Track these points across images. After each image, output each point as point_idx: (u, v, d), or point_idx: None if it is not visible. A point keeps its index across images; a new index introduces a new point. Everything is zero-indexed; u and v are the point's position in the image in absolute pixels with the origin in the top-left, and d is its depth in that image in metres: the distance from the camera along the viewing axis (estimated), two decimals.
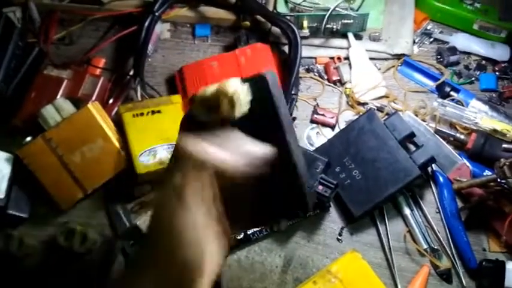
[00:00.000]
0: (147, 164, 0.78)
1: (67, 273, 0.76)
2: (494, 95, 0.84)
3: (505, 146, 0.74)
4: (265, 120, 0.49)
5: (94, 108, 0.81)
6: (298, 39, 0.82)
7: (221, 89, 0.50)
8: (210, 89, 0.50)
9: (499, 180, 0.69)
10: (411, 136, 0.76)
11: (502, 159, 0.67)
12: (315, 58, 0.88)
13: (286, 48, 0.87)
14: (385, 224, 0.77)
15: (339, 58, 0.87)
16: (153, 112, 0.82)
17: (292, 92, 0.83)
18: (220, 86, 0.50)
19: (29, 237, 0.78)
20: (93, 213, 0.82)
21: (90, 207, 0.82)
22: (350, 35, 0.86)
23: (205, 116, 0.51)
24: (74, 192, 0.80)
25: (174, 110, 0.83)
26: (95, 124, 0.80)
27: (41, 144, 0.79)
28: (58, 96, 0.84)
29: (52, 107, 0.80)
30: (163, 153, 0.79)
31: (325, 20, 0.82)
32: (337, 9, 0.81)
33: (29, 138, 0.80)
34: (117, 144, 0.81)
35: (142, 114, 0.82)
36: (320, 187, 0.72)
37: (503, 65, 0.85)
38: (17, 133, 0.84)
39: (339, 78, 0.86)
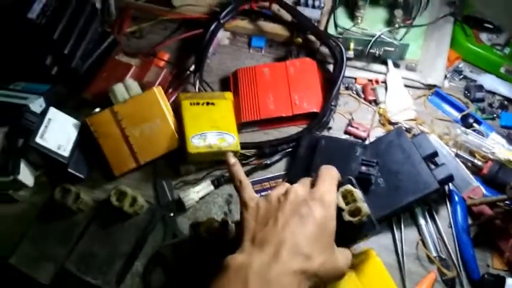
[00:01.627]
0: (197, 145, 0.88)
1: (114, 229, 0.85)
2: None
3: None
4: None
5: (158, 92, 0.92)
6: (344, 58, 0.93)
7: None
8: (214, 220, 0.77)
9: (508, 201, 0.77)
10: (434, 155, 0.85)
11: None
12: (355, 78, 0.99)
13: (330, 67, 0.99)
14: (401, 231, 0.85)
15: (376, 81, 0.98)
16: (207, 103, 0.93)
17: (332, 104, 0.93)
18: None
19: (84, 194, 0.88)
20: (142, 184, 0.92)
21: (139, 179, 0.93)
22: (389, 62, 0.97)
23: (208, 236, 0.76)
24: (128, 161, 0.90)
25: (225, 104, 0.94)
26: (156, 105, 0.91)
27: (108, 115, 0.90)
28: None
29: (122, 85, 0.92)
30: (213, 139, 0.89)
31: (370, 44, 0.93)
32: (382, 36, 0.93)
33: (97, 110, 0.92)
34: (172, 126, 0.92)
35: (198, 103, 0.93)
36: (363, 168, 0.81)
37: None
38: (85, 105, 0.96)
39: (374, 98, 0.97)
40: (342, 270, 0.64)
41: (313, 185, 0.67)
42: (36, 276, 0.83)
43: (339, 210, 0.68)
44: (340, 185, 0.70)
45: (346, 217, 0.72)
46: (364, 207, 0.71)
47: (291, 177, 0.89)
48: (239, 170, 0.71)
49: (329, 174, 0.68)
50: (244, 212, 0.66)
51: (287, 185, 0.68)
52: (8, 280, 0.87)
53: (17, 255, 0.84)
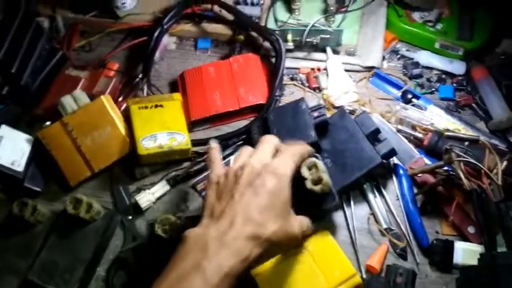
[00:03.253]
0: (148, 147, 0.91)
1: (73, 237, 0.87)
2: (451, 103, 0.96)
3: (448, 134, 0.85)
4: None
5: (106, 100, 0.95)
6: (283, 49, 0.97)
7: None
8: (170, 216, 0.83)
9: (446, 167, 0.80)
10: (377, 132, 0.88)
11: (450, 145, 0.79)
12: (299, 69, 1.03)
13: (274, 61, 1.02)
14: (351, 208, 0.88)
15: (318, 69, 1.01)
16: (156, 106, 0.95)
17: (277, 94, 0.97)
18: None
19: (41, 206, 0.89)
20: (99, 192, 0.94)
21: (96, 187, 0.94)
22: (328, 49, 1.00)
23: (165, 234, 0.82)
24: (83, 170, 0.92)
25: (174, 105, 0.96)
26: (105, 113, 0.94)
27: (59, 127, 0.92)
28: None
29: (70, 97, 0.94)
30: (163, 140, 0.91)
31: (305, 33, 0.97)
32: (316, 25, 0.96)
33: (48, 123, 0.94)
34: (123, 131, 0.94)
35: (146, 107, 0.95)
36: (315, 113, 0.89)
37: (460, 78, 0.98)
38: (37, 121, 0.98)
39: (318, 85, 1.00)
40: (296, 236, 0.70)
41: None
42: None
43: (303, 179, 0.75)
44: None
45: (309, 185, 0.77)
46: (326, 177, 0.76)
47: None
48: (215, 153, 0.77)
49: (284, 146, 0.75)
50: (208, 189, 0.72)
51: (248, 151, 0.74)
52: None
53: None
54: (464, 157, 0.76)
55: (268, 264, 0.80)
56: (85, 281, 0.84)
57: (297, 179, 0.77)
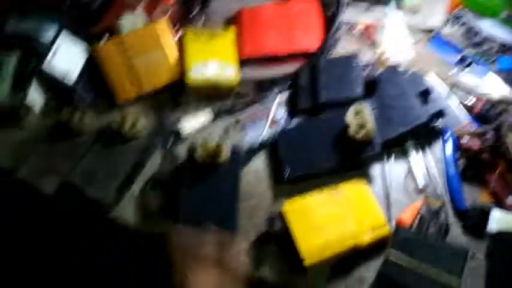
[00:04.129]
0: (196, 76, 0.92)
1: (115, 150, 0.90)
2: (509, 75, 0.94)
3: (502, 99, 0.83)
4: None
5: (163, 24, 0.96)
6: None
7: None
8: (210, 142, 0.84)
9: (494, 132, 0.78)
10: (427, 92, 0.87)
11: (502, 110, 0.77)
12: (357, 21, 1.01)
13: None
14: (391, 162, 0.87)
15: (377, 24, 0.99)
16: (210, 37, 0.96)
17: (330, 43, 0.96)
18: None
19: (88, 116, 0.92)
20: (144, 114, 0.95)
21: (142, 108, 0.96)
22: (391, 5, 0.98)
23: (202, 159, 0.83)
24: (131, 89, 0.95)
25: (227, 39, 0.97)
26: (160, 37, 0.95)
27: (115, 44, 0.94)
28: None
29: (130, 17, 0.96)
30: (212, 71, 0.93)
31: None
32: None
33: (105, 39, 0.96)
34: (175, 58, 0.95)
35: (201, 37, 0.96)
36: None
37: None
38: (95, 39, 1.00)
39: (374, 41, 0.98)
40: None
41: None
42: (41, 187, 0.88)
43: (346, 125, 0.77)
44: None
45: (352, 131, 0.77)
46: (370, 123, 0.76)
47: (301, 105, 0.92)
48: None
49: None
50: None
51: None
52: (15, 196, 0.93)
53: (24, 168, 0.89)
54: None
55: (299, 201, 0.81)
56: (121, 192, 0.87)
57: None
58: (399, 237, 0.72)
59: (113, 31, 0.97)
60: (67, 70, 0.93)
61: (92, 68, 0.96)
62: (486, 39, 0.97)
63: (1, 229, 1.10)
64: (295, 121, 0.91)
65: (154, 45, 0.95)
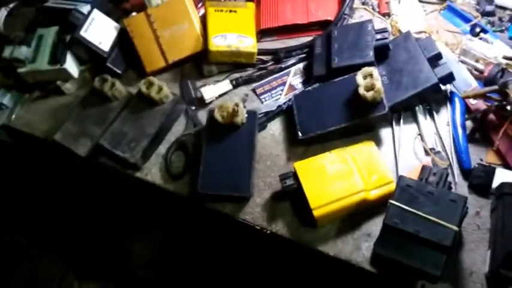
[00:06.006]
0: (218, 44, 0.98)
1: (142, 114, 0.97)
2: None
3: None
4: None
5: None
6: None
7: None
8: (228, 103, 0.89)
9: (499, 93, 0.81)
10: (438, 56, 0.89)
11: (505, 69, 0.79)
12: None
13: None
14: (400, 126, 0.91)
15: None
16: (230, 11, 1.03)
17: (345, 13, 1.01)
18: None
19: (119, 84, 1.00)
20: (170, 83, 1.03)
21: (168, 78, 1.04)
22: None
23: (221, 118, 0.87)
24: (159, 60, 1.02)
25: (247, 12, 1.03)
26: (185, 11, 1.02)
27: (143, 17, 1.02)
28: None
29: None
30: (232, 40, 0.99)
31: None
32: None
33: (134, 13, 1.04)
34: (198, 30, 1.02)
35: (222, 10, 1.03)
36: (378, 36, 0.92)
37: None
38: (125, 14, 1.08)
39: (388, 11, 1.02)
40: None
41: None
42: (75, 150, 0.96)
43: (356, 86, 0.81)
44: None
45: (361, 91, 0.81)
46: (379, 84, 0.80)
47: (316, 72, 0.96)
48: None
49: None
50: None
51: None
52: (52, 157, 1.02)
53: (61, 132, 0.98)
54: None
55: (310, 160, 0.86)
56: (147, 152, 0.95)
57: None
58: (401, 185, 0.76)
59: (142, 7, 1.05)
60: (100, 40, 1.01)
61: (123, 40, 1.04)
62: (498, 9, 0.99)
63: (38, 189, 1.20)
64: (310, 88, 0.96)
65: (179, 18, 1.02)
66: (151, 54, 1.02)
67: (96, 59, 1.02)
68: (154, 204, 1.11)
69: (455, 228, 0.70)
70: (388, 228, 0.72)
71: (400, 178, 0.78)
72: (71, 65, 1.02)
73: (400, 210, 0.72)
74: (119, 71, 1.03)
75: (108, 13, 1.07)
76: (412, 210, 0.72)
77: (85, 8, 1.04)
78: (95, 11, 1.02)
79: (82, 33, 0.98)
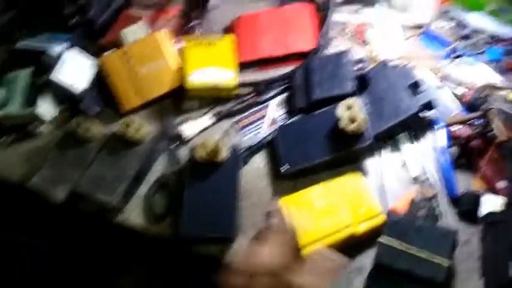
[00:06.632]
0: (196, 81, 0.97)
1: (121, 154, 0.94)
2: (498, 65, 0.95)
3: (491, 84, 0.85)
4: None
5: (164, 34, 1.02)
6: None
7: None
8: (210, 140, 0.88)
9: (482, 119, 0.80)
10: (417, 84, 0.89)
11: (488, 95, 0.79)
12: (348, 22, 1.05)
13: None
14: (384, 154, 0.90)
15: (368, 23, 1.03)
16: (208, 44, 1.01)
17: (321, 43, 1.00)
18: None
19: (96, 125, 0.97)
20: (149, 120, 1.00)
21: (147, 115, 1.02)
22: (380, 4, 1.02)
23: (203, 156, 0.86)
24: (136, 97, 1.00)
25: (226, 45, 1.02)
26: (162, 47, 1.01)
27: (119, 55, 1.00)
28: None
29: (132, 29, 1.02)
30: (211, 75, 0.97)
31: None
32: None
33: (111, 51, 1.02)
34: (176, 65, 1.01)
35: (200, 44, 1.01)
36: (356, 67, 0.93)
37: (509, 42, 0.97)
38: (101, 51, 1.06)
39: (365, 39, 1.02)
40: None
41: None
42: (52, 195, 0.93)
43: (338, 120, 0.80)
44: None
45: (342, 124, 0.80)
46: (362, 115, 0.78)
47: (297, 104, 0.95)
48: None
49: None
50: None
51: None
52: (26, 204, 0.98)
53: (37, 177, 0.95)
54: (502, 109, 0.77)
55: (296, 195, 0.84)
56: (128, 194, 0.92)
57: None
58: (390, 222, 0.74)
59: (118, 44, 1.03)
60: (74, 81, 0.98)
61: (100, 78, 1.02)
62: (474, 32, 0.99)
63: (13, 236, 1.15)
64: (292, 120, 0.95)
65: (156, 54, 1.00)
66: (128, 92, 1.00)
67: (70, 98, 0.99)
68: (139, 244, 1.07)
69: (446, 264, 0.68)
70: (379, 267, 0.70)
71: (388, 215, 0.76)
72: (45, 108, 0.99)
73: (390, 248, 0.70)
74: (95, 111, 1.01)
75: (84, 50, 1.05)
76: (402, 247, 0.70)
77: (59, 47, 1.02)
78: (70, 50, 1.00)
79: (54, 75, 0.96)
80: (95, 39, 1.09)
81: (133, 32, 1.01)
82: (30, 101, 0.97)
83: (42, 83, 0.97)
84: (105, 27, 1.10)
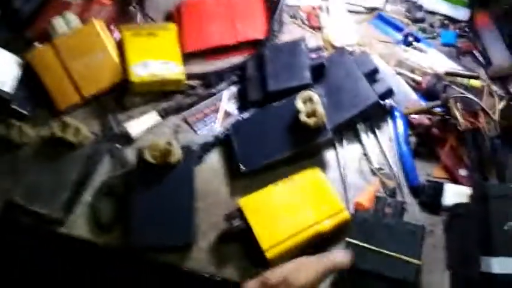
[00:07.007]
0: (140, 74, 0.88)
1: (59, 160, 0.85)
2: (453, 49, 0.95)
3: (448, 71, 0.84)
4: None
5: (98, 24, 0.92)
6: None
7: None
8: (160, 141, 0.80)
9: (441, 107, 0.79)
10: (375, 72, 0.86)
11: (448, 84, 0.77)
12: (299, 6, 1.00)
13: None
14: (343, 147, 0.87)
15: (320, 8, 0.98)
16: (150, 34, 0.93)
17: (274, 29, 0.95)
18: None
19: (28, 128, 0.87)
20: (89, 120, 0.91)
21: (86, 114, 0.92)
22: None
23: (153, 160, 0.80)
24: (72, 95, 0.90)
25: (169, 34, 0.93)
26: (97, 38, 0.91)
27: (49, 49, 0.89)
28: None
29: (62, 19, 0.91)
30: (156, 68, 0.89)
31: None
32: None
33: (38, 45, 0.91)
34: (115, 58, 0.91)
35: (140, 34, 0.93)
36: (313, 55, 0.89)
37: (463, 24, 0.97)
38: (28, 44, 0.94)
39: (318, 25, 0.97)
40: None
41: None
42: None
43: (297, 112, 0.75)
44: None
45: (303, 118, 0.75)
46: (320, 109, 0.74)
47: (251, 97, 0.89)
48: None
49: None
50: None
51: None
52: None
53: None
54: (462, 93, 0.75)
55: (256, 195, 0.79)
56: (70, 204, 0.83)
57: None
58: (357, 221, 0.72)
59: (46, 37, 0.92)
60: (1, 80, 0.87)
61: (29, 76, 0.90)
62: (428, 15, 0.97)
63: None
64: (247, 114, 0.89)
65: (92, 46, 0.90)
66: (62, 90, 0.90)
67: None
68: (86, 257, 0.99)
69: (417, 262, 0.66)
70: (349, 269, 0.67)
71: (355, 212, 0.73)
72: None
73: (359, 249, 0.68)
74: (25, 112, 0.90)
75: (7, 44, 0.93)
76: (371, 247, 0.67)
77: None
78: None
79: None
80: (20, 31, 0.96)
81: (62, 23, 0.90)
82: None
83: None
84: (31, 16, 0.98)
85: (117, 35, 0.96)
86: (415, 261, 0.66)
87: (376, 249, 0.67)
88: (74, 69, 0.89)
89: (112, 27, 0.97)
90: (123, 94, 0.92)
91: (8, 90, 0.88)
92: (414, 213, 0.81)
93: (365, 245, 0.67)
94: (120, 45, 0.93)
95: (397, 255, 0.66)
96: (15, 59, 0.91)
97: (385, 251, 0.67)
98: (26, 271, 1.09)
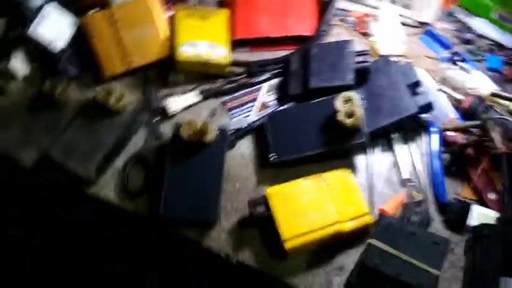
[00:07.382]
0: (186, 53, 0.91)
1: (99, 124, 0.88)
2: (497, 75, 0.94)
3: (493, 92, 0.84)
4: None
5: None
6: None
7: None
8: (198, 120, 0.83)
9: (480, 128, 0.79)
10: (417, 84, 0.86)
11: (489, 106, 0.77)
12: (351, 11, 1.01)
13: None
14: (376, 153, 0.87)
15: (371, 15, 0.99)
16: (202, 16, 0.95)
17: (323, 29, 0.96)
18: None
19: (72, 88, 0.90)
20: (132, 90, 0.93)
21: (130, 84, 0.95)
22: None
23: (188, 136, 0.81)
24: (119, 64, 0.93)
25: (220, 19, 0.96)
26: (151, 12, 0.93)
27: (104, 16, 0.92)
28: None
29: None
30: (203, 49, 0.91)
31: None
32: None
33: (95, 10, 0.94)
34: (165, 34, 0.94)
35: (193, 15, 0.95)
36: (359, 58, 0.88)
37: (510, 52, 0.96)
38: (85, 10, 0.97)
39: (367, 31, 0.98)
40: None
41: None
42: (19, 159, 0.86)
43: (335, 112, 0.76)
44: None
45: (340, 117, 0.76)
46: (359, 111, 0.75)
47: (291, 91, 0.90)
48: None
49: None
50: None
51: None
52: None
53: (3, 139, 0.87)
54: (503, 116, 0.75)
55: (283, 186, 0.80)
56: (102, 166, 0.86)
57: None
58: (382, 224, 0.72)
59: (104, 4, 0.95)
60: (53, 38, 0.90)
61: (81, 39, 0.93)
62: (477, 38, 0.98)
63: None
64: (284, 107, 0.91)
65: (145, 20, 0.93)
66: (111, 57, 0.92)
67: (47, 56, 0.91)
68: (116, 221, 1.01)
69: (437, 273, 0.66)
70: (366, 269, 0.68)
71: (380, 216, 0.74)
72: (19, 63, 0.91)
73: (380, 251, 0.68)
74: (72, 73, 0.93)
75: (65, 6, 0.96)
76: (393, 252, 0.68)
77: (39, 0, 0.93)
78: (50, 4, 0.91)
79: (32, 28, 0.87)
80: None
81: None
82: (3, 54, 0.88)
83: (16, 36, 0.88)
84: None
85: (170, 12, 0.98)
86: (435, 271, 0.67)
87: (398, 254, 0.68)
88: (126, 38, 0.92)
89: (168, 3, 1.00)
90: (168, 71, 0.94)
91: (57, 48, 0.91)
92: (438, 229, 0.81)
93: (387, 248, 0.68)
94: (171, 23, 0.95)
95: (418, 262, 0.67)
96: (71, 20, 0.94)
97: (407, 257, 0.67)
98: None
